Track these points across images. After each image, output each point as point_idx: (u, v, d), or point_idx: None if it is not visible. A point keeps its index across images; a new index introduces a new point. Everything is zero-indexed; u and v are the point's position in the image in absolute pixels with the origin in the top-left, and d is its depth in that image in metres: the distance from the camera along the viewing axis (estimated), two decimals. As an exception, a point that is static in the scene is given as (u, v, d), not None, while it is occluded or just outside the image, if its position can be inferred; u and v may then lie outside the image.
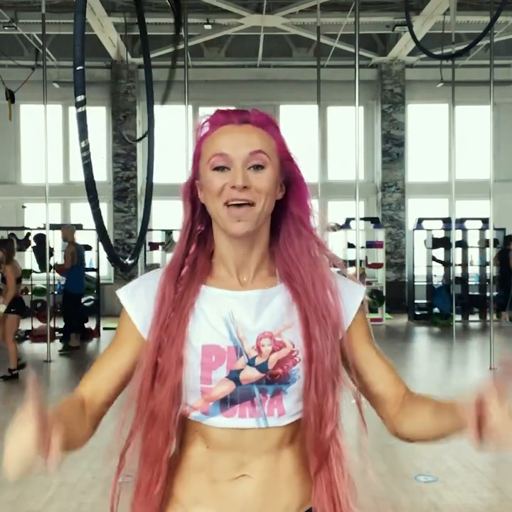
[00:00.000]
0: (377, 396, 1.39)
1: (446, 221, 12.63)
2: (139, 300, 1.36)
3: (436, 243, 13.19)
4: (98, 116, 14.56)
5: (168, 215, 13.41)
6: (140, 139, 9.07)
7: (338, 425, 1.33)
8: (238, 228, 1.29)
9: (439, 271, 13.48)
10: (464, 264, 13.43)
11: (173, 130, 12.88)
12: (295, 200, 1.37)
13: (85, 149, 3.14)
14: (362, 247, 11.69)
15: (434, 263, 13.37)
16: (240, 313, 1.31)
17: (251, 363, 1.29)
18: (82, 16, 3.06)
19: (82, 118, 3.11)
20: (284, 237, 1.36)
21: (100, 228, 3.62)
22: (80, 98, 3.07)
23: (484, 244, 12.78)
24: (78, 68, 3.01)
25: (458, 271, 12.94)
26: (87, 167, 3.22)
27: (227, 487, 1.31)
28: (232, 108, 1.38)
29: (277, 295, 1.34)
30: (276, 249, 1.37)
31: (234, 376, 1.29)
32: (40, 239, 10.92)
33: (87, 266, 12.52)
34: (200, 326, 1.31)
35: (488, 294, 11.48)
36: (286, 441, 1.33)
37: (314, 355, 1.29)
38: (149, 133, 5.64)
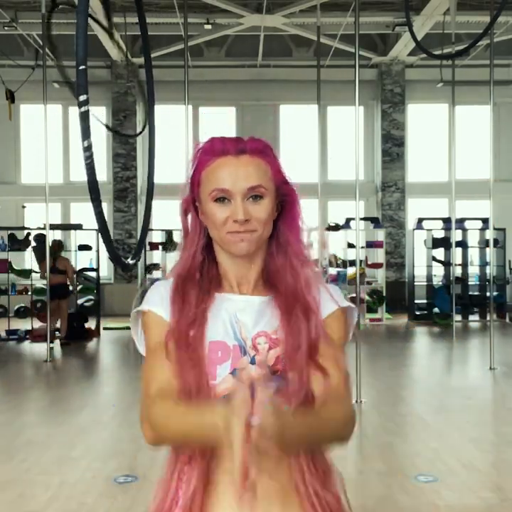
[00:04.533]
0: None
1: (446, 221, 12.62)
2: (155, 304, 1.42)
3: (436, 243, 13.19)
4: (98, 116, 14.57)
5: (168, 215, 13.41)
6: (139, 133, 8.98)
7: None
8: (240, 248, 1.37)
9: (439, 271, 13.48)
10: (464, 264, 13.44)
11: (173, 130, 12.90)
12: (285, 220, 1.44)
13: (87, 149, 3.11)
14: (362, 247, 11.68)
15: (434, 263, 13.37)
16: (242, 315, 1.40)
17: (253, 361, 1.36)
18: (84, 16, 3.06)
19: (84, 118, 3.09)
20: (271, 253, 1.44)
21: (103, 229, 3.60)
22: (82, 98, 3.05)
23: (484, 244, 12.79)
24: (81, 68, 3.00)
25: (458, 271, 12.94)
26: (90, 167, 3.20)
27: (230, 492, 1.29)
28: (228, 136, 1.42)
29: (273, 303, 1.41)
30: (265, 262, 1.45)
31: (237, 374, 1.33)
32: (40, 239, 10.92)
33: (87, 266, 12.55)
34: (207, 324, 1.38)
35: (488, 294, 11.49)
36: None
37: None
38: (150, 132, 5.62)
